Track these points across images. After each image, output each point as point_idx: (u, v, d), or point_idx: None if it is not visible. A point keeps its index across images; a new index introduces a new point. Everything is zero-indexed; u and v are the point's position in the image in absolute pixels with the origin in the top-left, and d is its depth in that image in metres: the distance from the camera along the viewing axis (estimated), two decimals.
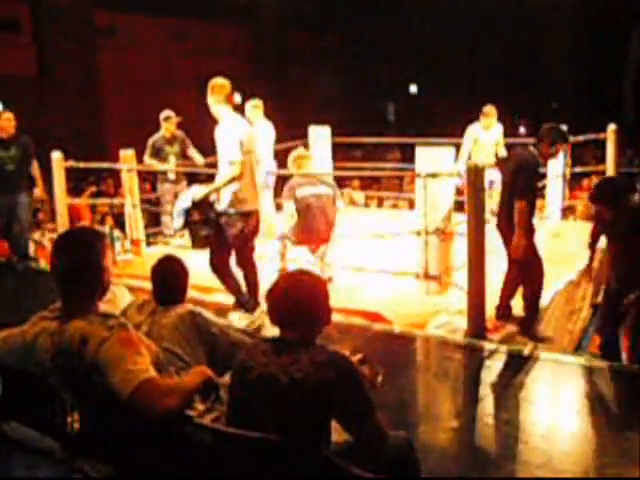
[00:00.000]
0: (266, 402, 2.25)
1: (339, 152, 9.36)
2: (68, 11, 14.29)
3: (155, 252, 7.00)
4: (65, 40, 14.31)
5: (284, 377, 2.22)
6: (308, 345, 2.34)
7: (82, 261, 2.31)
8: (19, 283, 6.90)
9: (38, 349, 2.29)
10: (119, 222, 8.86)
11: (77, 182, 10.42)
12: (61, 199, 7.19)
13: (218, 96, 5.10)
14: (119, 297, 3.49)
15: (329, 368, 2.23)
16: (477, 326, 5.00)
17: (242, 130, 5.13)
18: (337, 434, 2.41)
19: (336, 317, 5.31)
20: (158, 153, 8.11)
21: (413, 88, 23.09)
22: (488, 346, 4.81)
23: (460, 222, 5.56)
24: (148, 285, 3.24)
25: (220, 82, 5.15)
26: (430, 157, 5.88)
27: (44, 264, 7.21)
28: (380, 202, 10.90)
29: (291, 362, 2.25)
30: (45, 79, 14.23)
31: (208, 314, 3.13)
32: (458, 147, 7.80)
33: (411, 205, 9.90)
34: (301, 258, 6.08)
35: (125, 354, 2.11)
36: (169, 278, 3.26)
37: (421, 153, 6.00)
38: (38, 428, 2.47)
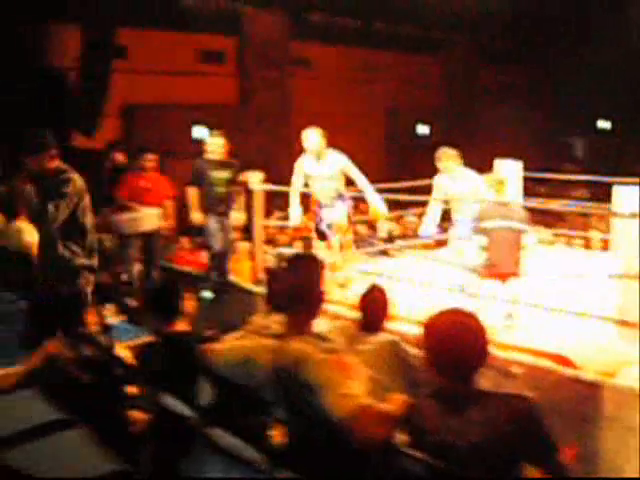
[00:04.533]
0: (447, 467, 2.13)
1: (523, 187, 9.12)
2: (267, 43, 15.14)
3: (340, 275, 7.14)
4: (264, 70, 15.17)
5: (462, 443, 2.14)
6: (477, 396, 2.25)
7: (307, 284, 2.49)
8: (217, 297, 7.40)
9: (257, 364, 2.47)
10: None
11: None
12: (258, 221, 7.59)
13: None
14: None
15: (505, 421, 2.14)
16: None
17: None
18: None
19: (521, 356, 5.23)
20: None
21: (604, 124, 22.10)
22: None
23: None
24: (337, 309, 3.38)
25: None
26: (629, 196, 5.61)
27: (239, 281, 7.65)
28: (568, 240, 10.49)
29: (465, 423, 2.16)
30: (245, 107, 15.12)
31: (406, 345, 3.21)
32: None
33: (600, 245, 9.51)
34: (489, 293, 6.00)
35: (339, 378, 2.21)
36: (375, 306, 3.39)
37: (619, 192, 5.75)
38: (242, 437, 2.56)
